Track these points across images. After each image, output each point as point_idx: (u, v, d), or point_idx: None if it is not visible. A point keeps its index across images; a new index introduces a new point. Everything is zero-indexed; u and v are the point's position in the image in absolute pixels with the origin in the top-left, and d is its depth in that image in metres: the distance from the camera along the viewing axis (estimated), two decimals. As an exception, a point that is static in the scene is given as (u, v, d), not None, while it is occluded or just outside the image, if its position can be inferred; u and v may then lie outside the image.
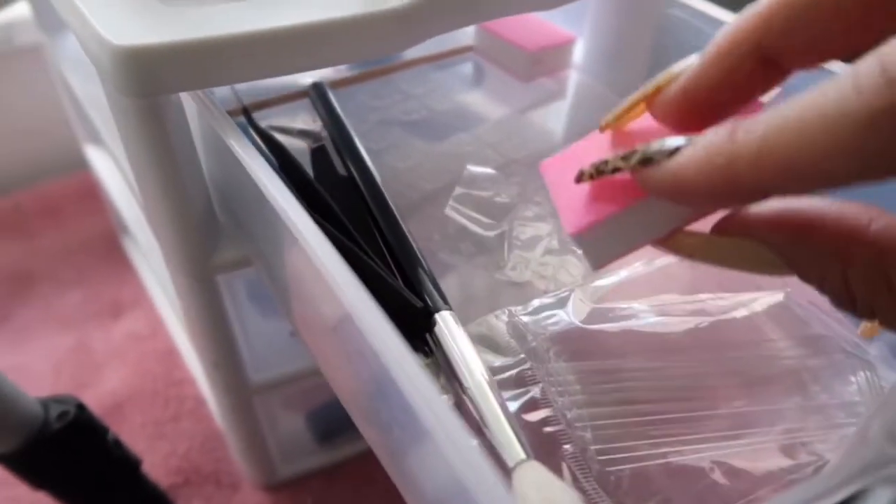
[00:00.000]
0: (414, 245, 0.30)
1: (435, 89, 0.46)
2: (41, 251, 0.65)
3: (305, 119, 0.43)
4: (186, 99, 0.30)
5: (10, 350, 0.54)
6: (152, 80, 0.26)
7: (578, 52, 0.48)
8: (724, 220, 0.20)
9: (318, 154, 0.36)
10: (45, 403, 0.34)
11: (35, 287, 0.61)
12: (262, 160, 0.27)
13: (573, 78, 0.48)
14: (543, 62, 0.46)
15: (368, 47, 0.29)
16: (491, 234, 0.33)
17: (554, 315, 0.26)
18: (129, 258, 0.64)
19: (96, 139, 0.59)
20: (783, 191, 0.15)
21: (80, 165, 0.64)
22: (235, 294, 0.35)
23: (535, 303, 0.27)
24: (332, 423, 0.47)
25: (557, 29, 0.47)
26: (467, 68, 0.50)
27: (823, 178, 0.14)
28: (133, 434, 0.48)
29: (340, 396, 0.29)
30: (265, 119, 0.40)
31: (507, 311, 0.27)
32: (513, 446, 0.21)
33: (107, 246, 0.65)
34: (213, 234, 0.32)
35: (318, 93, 0.40)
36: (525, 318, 0.26)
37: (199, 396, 0.50)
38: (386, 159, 0.40)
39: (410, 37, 0.31)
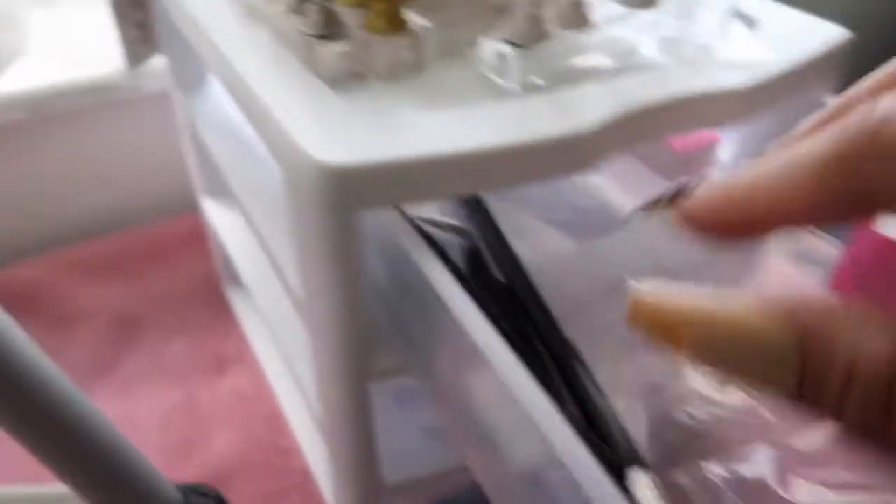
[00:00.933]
0: (592, 377, 0.29)
1: (573, 182, 0.45)
2: (146, 295, 0.65)
3: (446, 211, 0.42)
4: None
5: (118, 399, 0.55)
6: (353, 198, 0.25)
7: (722, 150, 0.46)
8: None
9: (474, 256, 0.35)
10: (185, 492, 0.34)
11: (141, 332, 0.61)
12: (447, 275, 0.26)
13: (715, 175, 0.46)
14: (690, 163, 0.44)
15: (561, 166, 0.28)
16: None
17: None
18: (233, 309, 0.64)
19: (217, 192, 0.59)
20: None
21: (189, 208, 0.65)
22: (384, 396, 0.34)
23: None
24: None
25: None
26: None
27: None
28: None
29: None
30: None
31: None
32: None
33: (210, 293, 0.66)
34: (373, 339, 0.32)
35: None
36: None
37: (305, 469, 0.50)
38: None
39: (597, 155, 0.30)
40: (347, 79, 0.32)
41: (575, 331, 0.35)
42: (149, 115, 0.71)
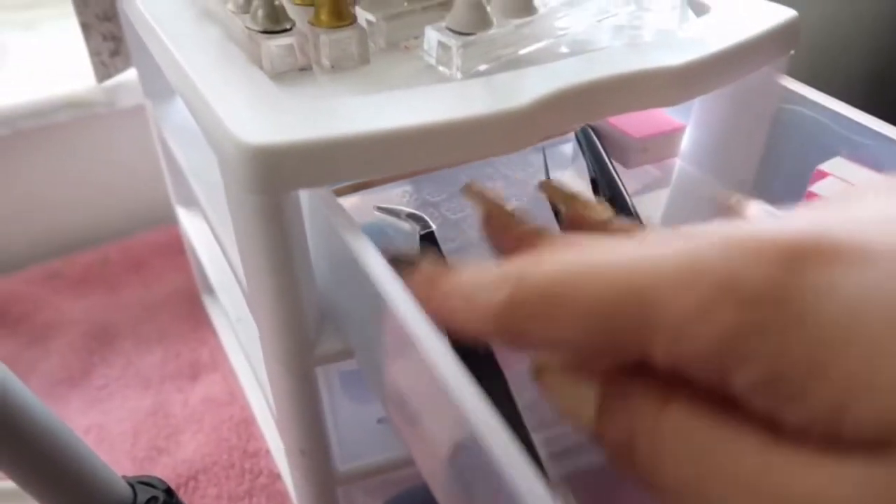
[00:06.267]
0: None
1: (536, 173, 0.45)
2: (125, 306, 0.66)
3: (406, 199, 0.42)
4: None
5: (90, 408, 0.55)
6: (279, 179, 0.25)
7: (685, 140, 0.46)
8: None
9: (428, 240, 0.36)
10: (133, 485, 0.33)
11: (117, 343, 0.61)
12: (377, 256, 0.26)
13: (678, 166, 0.46)
14: (649, 150, 0.44)
15: (493, 146, 0.28)
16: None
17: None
18: (210, 317, 0.64)
19: (190, 202, 0.60)
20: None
21: (169, 220, 0.65)
22: (331, 382, 0.34)
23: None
24: (411, 512, 0.45)
25: (665, 116, 0.45)
26: (567, 148, 0.49)
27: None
28: (206, 507, 0.47)
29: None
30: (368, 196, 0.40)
31: None
32: None
33: (188, 302, 0.66)
34: (317, 324, 0.32)
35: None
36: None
37: (273, 470, 0.49)
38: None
39: (533, 134, 0.30)
40: (292, 72, 0.32)
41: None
42: (127, 129, 0.72)
